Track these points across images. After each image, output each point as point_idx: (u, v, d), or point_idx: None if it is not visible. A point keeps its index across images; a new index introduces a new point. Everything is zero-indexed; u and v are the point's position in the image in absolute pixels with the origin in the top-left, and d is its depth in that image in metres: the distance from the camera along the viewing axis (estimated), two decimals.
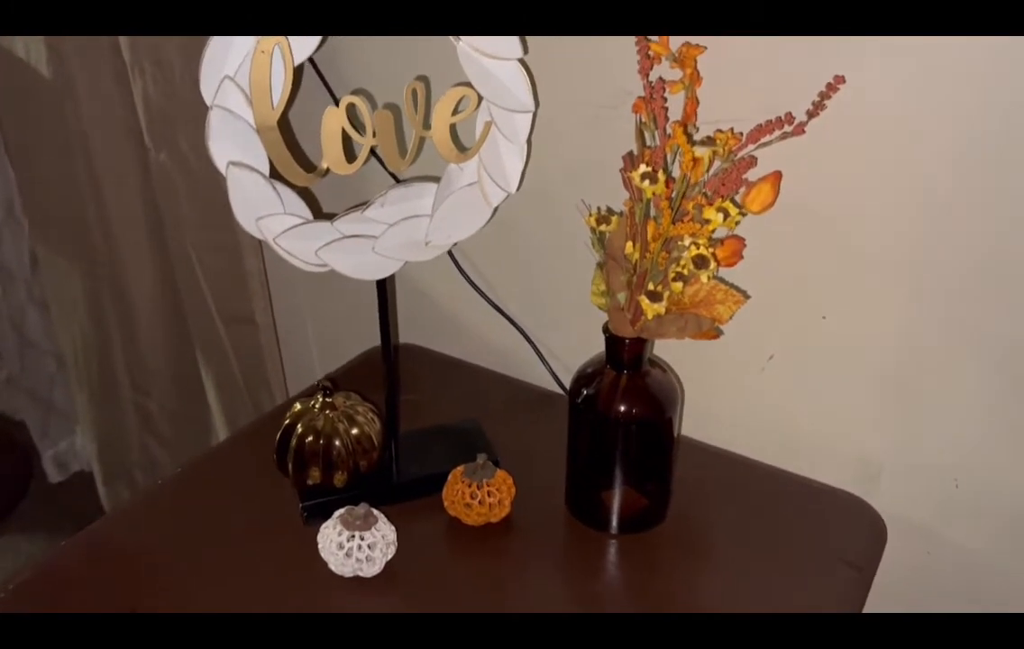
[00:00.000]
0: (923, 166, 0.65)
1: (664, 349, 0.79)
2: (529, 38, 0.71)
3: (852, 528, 0.73)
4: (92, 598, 0.65)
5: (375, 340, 0.76)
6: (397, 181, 0.73)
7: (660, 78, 0.65)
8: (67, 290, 1.27)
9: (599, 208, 0.68)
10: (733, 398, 0.81)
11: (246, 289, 1.09)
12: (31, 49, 1.09)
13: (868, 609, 0.69)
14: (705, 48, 0.65)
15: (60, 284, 1.27)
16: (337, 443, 0.71)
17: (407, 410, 0.83)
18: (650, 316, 0.64)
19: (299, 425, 0.71)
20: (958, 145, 0.63)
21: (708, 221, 0.62)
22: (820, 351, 0.75)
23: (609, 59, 0.74)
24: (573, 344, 0.78)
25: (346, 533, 0.65)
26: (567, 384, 0.73)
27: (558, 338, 0.91)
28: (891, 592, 0.75)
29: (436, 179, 0.69)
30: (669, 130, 0.64)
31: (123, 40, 1.00)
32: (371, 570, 0.66)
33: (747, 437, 0.81)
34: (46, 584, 0.68)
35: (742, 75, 0.69)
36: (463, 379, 0.96)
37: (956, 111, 0.63)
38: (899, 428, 0.73)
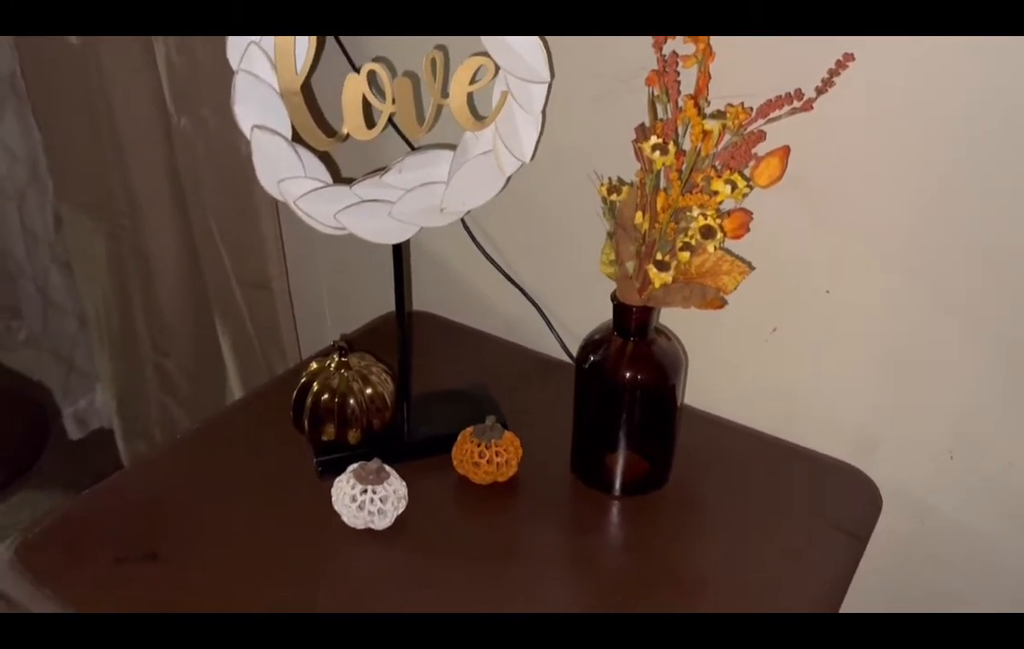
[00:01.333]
0: (929, 144, 0.67)
1: (670, 320, 0.81)
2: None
3: (848, 497, 0.75)
4: (111, 544, 0.68)
5: (388, 307, 0.78)
6: (414, 148, 0.75)
7: (674, 52, 0.67)
8: (90, 250, 1.29)
9: (610, 178, 0.70)
10: (736, 368, 0.83)
11: (262, 254, 1.11)
12: None
13: (862, 577, 0.72)
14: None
15: (83, 244, 1.30)
16: (352, 401, 0.74)
17: (419, 374, 0.86)
18: (657, 285, 0.66)
19: (315, 383, 0.74)
20: (964, 125, 0.65)
21: (716, 193, 0.64)
22: (822, 324, 0.77)
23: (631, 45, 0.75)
24: (581, 314, 0.80)
25: (359, 487, 0.68)
26: (575, 353, 0.75)
27: (567, 308, 0.93)
28: (885, 560, 0.78)
29: (452, 147, 0.71)
30: (681, 103, 0.66)
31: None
32: (382, 523, 0.69)
33: (749, 407, 0.83)
34: (67, 530, 0.71)
35: (754, 51, 0.70)
36: (474, 346, 0.98)
37: (963, 92, 0.64)
38: (897, 400, 0.75)
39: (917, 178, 0.68)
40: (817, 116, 0.65)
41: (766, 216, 0.71)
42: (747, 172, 0.67)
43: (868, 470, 0.77)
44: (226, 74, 0.61)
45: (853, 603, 0.72)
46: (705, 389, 0.85)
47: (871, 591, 0.78)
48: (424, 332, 1.00)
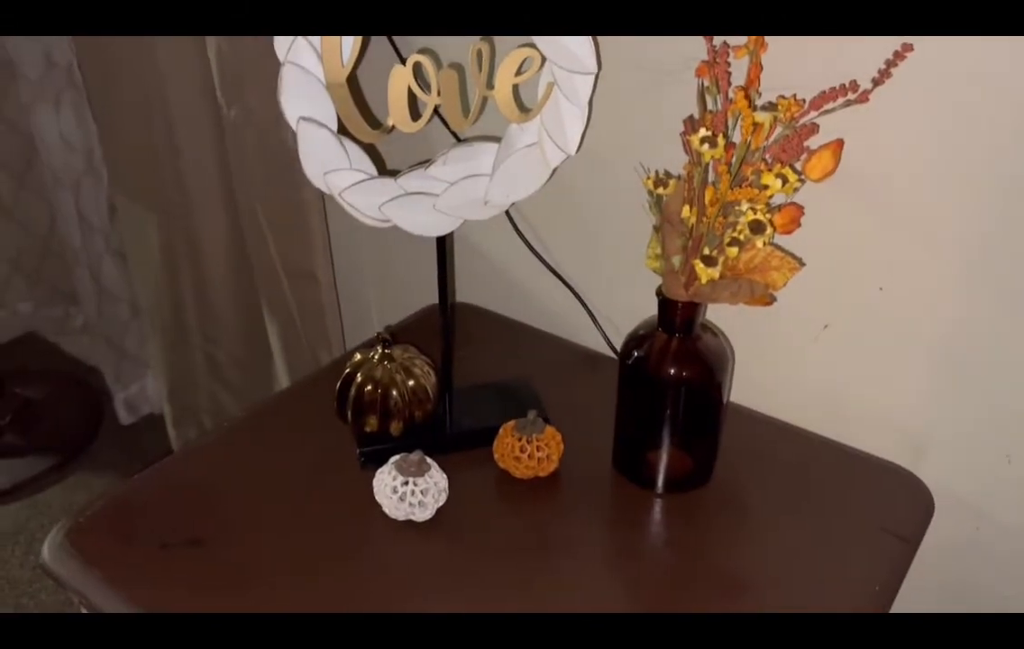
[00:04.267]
0: (988, 139, 0.64)
1: (718, 317, 0.80)
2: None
3: (898, 499, 0.73)
4: (158, 529, 0.69)
5: (432, 299, 0.78)
6: (459, 140, 0.75)
7: (725, 43, 0.66)
8: (142, 239, 1.32)
9: (657, 171, 0.69)
10: (785, 366, 0.82)
11: (309, 246, 1.12)
12: None
13: (914, 583, 0.70)
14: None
15: (136, 234, 1.33)
16: (394, 393, 0.74)
17: (461, 366, 0.86)
18: (704, 280, 0.64)
19: (359, 374, 0.74)
20: None
21: (766, 187, 0.62)
22: (875, 322, 0.75)
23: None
24: (626, 308, 0.79)
25: (400, 478, 0.68)
26: (619, 347, 0.75)
27: (611, 302, 0.92)
28: (939, 566, 0.75)
29: (497, 139, 0.71)
30: (731, 95, 0.64)
31: None
32: (423, 515, 0.69)
33: (798, 406, 0.81)
34: (116, 515, 0.72)
35: (807, 42, 0.69)
36: (517, 339, 0.98)
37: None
38: (952, 401, 0.73)
39: (976, 171, 0.66)
40: (873, 108, 0.63)
41: (818, 211, 0.69)
42: (799, 166, 0.65)
43: (921, 473, 0.75)
44: (275, 65, 0.62)
45: (903, 608, 0.71)
46: (752, 386, 0.83)
47: (922, 597, 0.75)
48: (468, 324, 1.00)
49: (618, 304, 0.91)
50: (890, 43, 0.61)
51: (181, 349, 1.40)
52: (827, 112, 0.64)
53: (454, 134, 0.83)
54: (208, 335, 1.36)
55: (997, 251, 0.67)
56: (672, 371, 0.70)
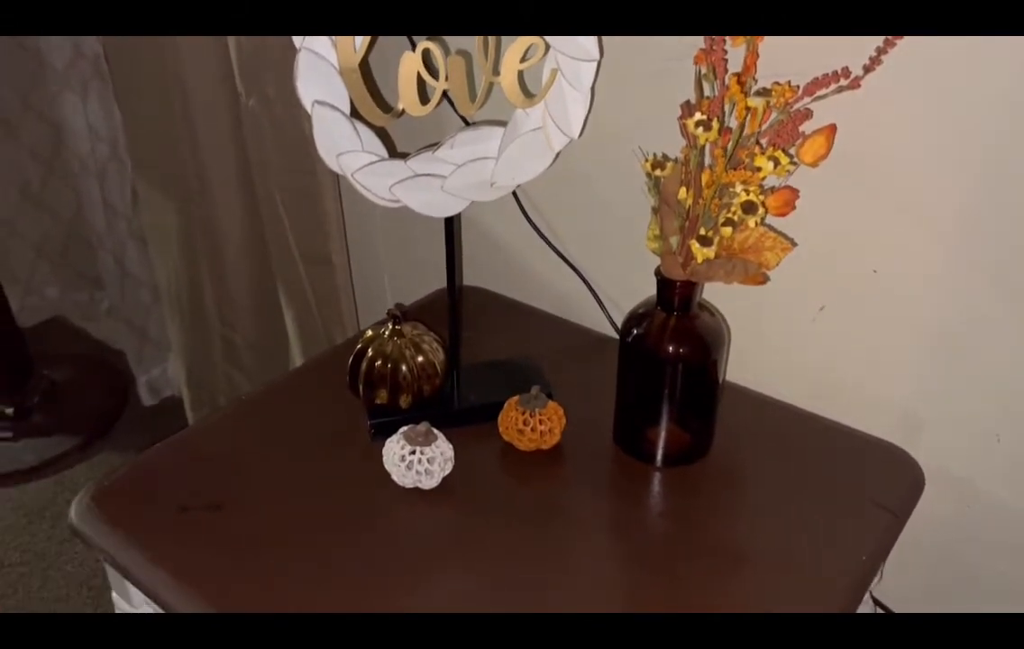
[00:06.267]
0: (979, 123, 0.66)
1: (716, 297, 0.82)
2: None
3: (890, 476, 0.75)
4: (178, 494, 0.73)
5: (443, 284, 0.81)
6: (467, 124, 0.78)
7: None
8: (163, 225, 1.37)
9: (655, 154, 0.71)
10: (783, 346, 0.84)
11: (325, 231, 1.16)
12: None
13: (904, 559, 0.72)
14: None
15: (156, 219, 1.38)
16: (404, 368, 0.77)
17: (469, 346, 0.89)
18: (700, 260, 0.67)
19: (370, 349, 0.78)
20: (1016, 102, 0.64)
21: (759, 169, 0.65)
22: (869, 304, 0.77)
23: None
24: (630, 290, 0.82)
25: (408, 447, 0.71)
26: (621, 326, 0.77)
27: (616, 283, 0.94)
28: (929, 542, 0.78)
29: (503, 123, 0.74)
30: (728, 81, 0.67)
31: None
32: (429, 483, 0.72)
33: (794, 384, 0.84)
34: (138, 479, 0.76)
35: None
36: (523, 320, 1.01)
37: (1016, 70, 0.63)
38: (943, 381, 0.75)
39: (967, 155, 0.68)
40: (865, 93, 0.65)
41: (813, 194, 0.72)
42: (793, 150, 0.67)
43: (913, 450, 0.77)
44: (291, 57, 0.65)
45: (896, 579, 0.73)
46: (749, 365, 0.85)
47: (914, 568, 0.78)
48: (476, 306, 1.03)
49: (623, 286, 0.94)
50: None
51: (199, 332, 1.44)
52: (820, 98, 0.66)
53: (462, 118, 0.86)
54: (225, 319, 1.40)
55: (989, 234, 0.69)
56: (670, 348, 0.73)
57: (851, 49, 0.67)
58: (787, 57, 0.71)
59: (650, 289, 0.74)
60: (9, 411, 1.69)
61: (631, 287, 0.81)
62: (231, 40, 1.09)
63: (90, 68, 1.42)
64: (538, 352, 0.91)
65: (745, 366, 0.85)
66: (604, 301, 0.95)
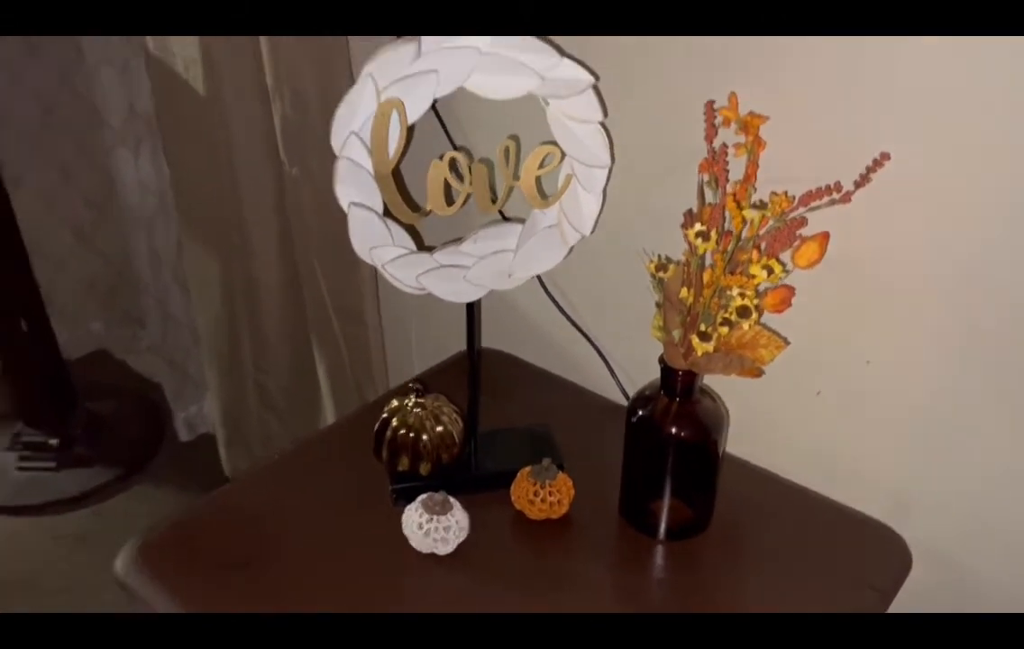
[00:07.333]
0: (960, 232, 0.72)
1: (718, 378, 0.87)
2: (613, 97, 0.81)
3: (880, 554, 0.80)
4: (214, 551, 0.80)
5: (464, 345, 0.88)
6: (488, 221, 0.84)
7: (724, 144, 0.74)
8: (205, 275, 1.45)
9: (659, 256, 0.77)
10: (781, 423, 0.89)
11: (359, 292, 1.23)
12: (189, 69, 1.26)
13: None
14: (768, 117, 0.74)
15: (200, 269, 1.46)
16: (424, 437, 0.84)
17: (486, 410, 0.94)
18: (700, 353, 0.73)
19: (394, 419, 0.84)
20: (997, 213, 0.70)
21: (754, 276, 0.70)
22: (863, 391, 0.82)
23: (685, 120, 0.82)
24: (640, 359, 0.87)
25: (426, 515, 0.77)
26: (631, 394, 0.83)
27: (626, 351, 1.01)
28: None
29: (522, 220, 0.80)
30: (730, 188, 0.73)
31: (267, 66, 1.16)
32: (445, 549, 0.78)
33: (792, 462, 0.89)
34: (178, 536, 0.83)
35: (801, 140, 0.77)
36: (540, 385, 1.07)
37: (998, 184, 0.69)
38: (933, 465, 0.80)
39: (954, 260, 0.73)
40: (857, 201, 0.70)
41: (809, 289, 0.77)
42: (791, 250, 0.73)
43: (903, 528, 0.82)
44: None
45: None
46: (751, 442, 0.91)
47: None
48: (494, 369, 1.09)
49: (633, 354, 0.99)
50: (877, 145, 0.69)
51: (235, 376, 1.51)
52: (814, 208, 0.72)
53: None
54: (260, 365, 1.47)
55: (975, 330, 0.74)
56: (672, 431, 0.79)
57: (841, 158, 0.73)
58: (786, 164, 0.77)
59: (657, 360, 0.80)
60: (54, 442, 1.78)
61: (642, 355, 0.86)
62: (276, 112, 1.17)
63: (143, 127, 1.52)
64: (553, 417, 0.96)
65: (745, 440, 0.90)
66: (616, 367, 1.00)
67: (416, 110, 0.71)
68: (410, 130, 0.71)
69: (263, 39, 1.13)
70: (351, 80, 1.07)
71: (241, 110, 1.24)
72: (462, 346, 1.09)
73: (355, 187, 0.72)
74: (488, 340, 1.15)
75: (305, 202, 1.20)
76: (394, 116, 0.69)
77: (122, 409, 1.91)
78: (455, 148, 0.99)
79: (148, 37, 1.28)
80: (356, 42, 1.13)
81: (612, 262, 0.97)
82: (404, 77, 0.68)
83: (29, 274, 1.67)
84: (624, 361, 1.01)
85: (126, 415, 1.90)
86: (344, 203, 0.73)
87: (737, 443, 0.90)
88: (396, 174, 0.72)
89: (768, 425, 0.90)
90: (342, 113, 0.70)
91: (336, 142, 0.71)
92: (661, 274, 0.75)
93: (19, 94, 1.73)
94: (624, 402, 0.98)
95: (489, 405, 0.96)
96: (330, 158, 0.72)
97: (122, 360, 2.06)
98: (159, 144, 1.48)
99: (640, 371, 0.82)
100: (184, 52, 1.25)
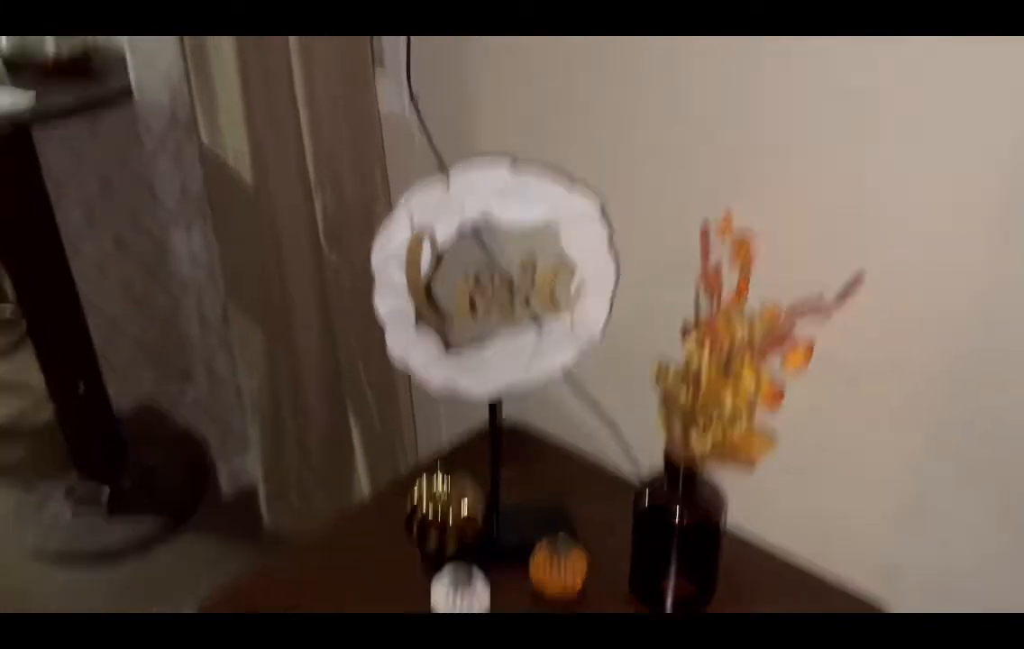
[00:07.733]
0: (938, 341, 0.80)
1: None
2: (620, 215, 0.90)
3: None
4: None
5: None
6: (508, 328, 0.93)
7: (718, 262, 0.83)
8: (250, 343, 1.56)
9: (660, 363, 0.86)
10: (782, 502, 0.97)
11: (391, 368, 1.33)
12: (239, 159, 1.38)
13: None
14: (758, 235, 0.83)
15: (245, 337, 1.57)
16: (451, 518, 0.93)
17: (507, 485, 1.02)
18: (697, 451, 0.81)
19: (423, 501, 0.93)
20: (970, 311, 0.78)
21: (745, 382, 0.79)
22: (851, 476, 0.91)
23: (687, 234, 0.91)
24: (653, 434, 0.96)
25: (451, 589, 0.86)
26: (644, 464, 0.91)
27: (640, 424, 1.07)
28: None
29: (538, 325, 0.89)
30: (724, 298, 0.81)
31: (310, 160, 1.27)
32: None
33: (786, 535, 0.97)
34: (231, 603, 0.93)
35: (792, 257, 0.85)
36: (560, 460, 1.16)
37: (967, 288, 0.77)
38: (917, 541, 0.88)
39: (930, 359, 0.81)
40: (840, 315, 0.79)
41: (801, 388, 0.85)
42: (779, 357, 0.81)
43: (891, 596, 0.89)
44: (369, 223, 0.81)
45: None
46: (752, 518, 0.98)
47: None
48: (517, 444, 1.18)
49: (647, 432, 1.07)
50: (855, 261, 0.77)
51: (277, 435, 1.62)
52: (799, 318, 0.80)
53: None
54: (300, 426, 1.58)
55: (952, 424, 0.82)
56: (676, 518, 0.87)
57: (825, 271, 0.81)
58: (776, 281, 0.85)
59: None
60: (106, 491, 1.89)
61: (653, 434, 0.94)
62: (318, 202, 1.28)
63: (194, 207, 1.64)
64: (570, 490, 1.05)
65: (744, 514, 0.98)
66: (631, 446, 1.08)
67: (445, 233, 0.81)
68: (440, 253, 0.81)
69: (306, 131, 1.24)
70: (384, 175, 1.17)
71: (285, 198, 1.35)
72: (485, 416, 1.19)
73: (391, 298, 0.82)
74: (509, 410, 1.24)
75: (343, 285, 1.31)
76: (426, 243, 0.79)
77: (168, 460, 2.03)
78: (482, 246, 1.08)
79: (201, 127, 1.40)
80: (391, 139, 1.23)
81: (623, 356, 1.06)
82: (434, 206, 0.79)
83: (88, 342, 1.79)
84: (639, 440, 1.09)
85: (172, 466, 2.02)
86: (382, 311, 0.83)
87: (737, 516, 0.97)
88: (427, 289, 0.82)
89: (766, 502, 0.97)
90: (382, 240, 0.80)
91: (376, 262, 0.81)
92: (661, 384, 0.83)
93: (81, 171, 1.88)
94: (635, 482, 1.06)
95: (510, 481, 1.04)
96: (366, 246, 0.82)
97: (167, 412, 2.18)
98: (209, 223, 1.60)
99: (655, 446, 0.90)
100: (234, 143, 1.37)
